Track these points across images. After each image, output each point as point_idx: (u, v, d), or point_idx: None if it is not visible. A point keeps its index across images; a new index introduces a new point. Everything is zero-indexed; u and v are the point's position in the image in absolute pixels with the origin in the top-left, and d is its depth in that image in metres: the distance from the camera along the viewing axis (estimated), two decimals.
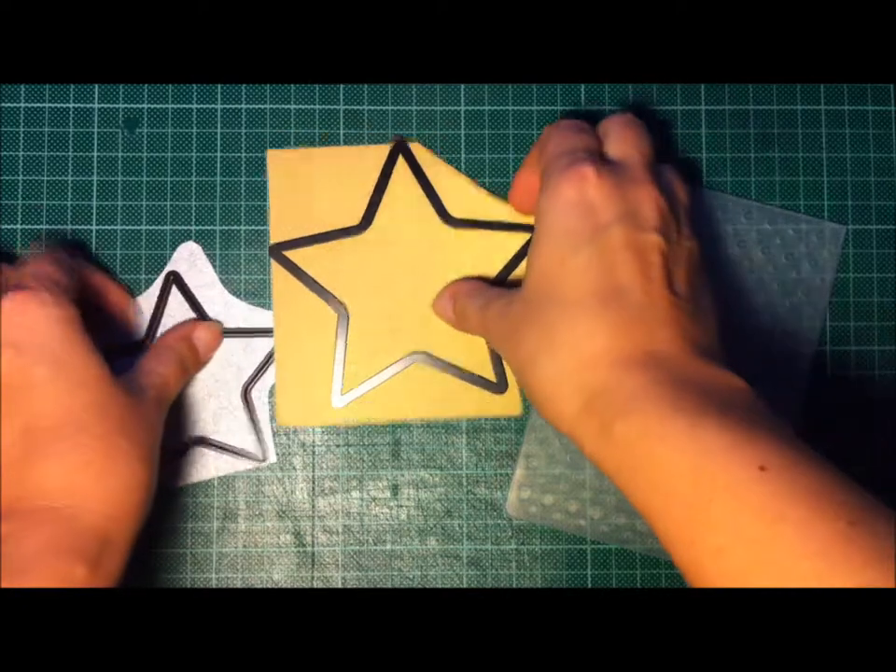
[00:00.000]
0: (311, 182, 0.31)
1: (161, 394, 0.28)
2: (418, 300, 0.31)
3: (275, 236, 0.31)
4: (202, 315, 0.30)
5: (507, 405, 0.30)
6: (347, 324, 0.31)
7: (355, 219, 0.31)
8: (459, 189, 0.31)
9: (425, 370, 0.30)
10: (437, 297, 0.30)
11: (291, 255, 0.30)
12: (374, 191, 0.31)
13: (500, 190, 0.31)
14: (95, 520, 0.23)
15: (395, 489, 0.30)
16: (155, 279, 0.30)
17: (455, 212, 0.31)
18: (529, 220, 0.29)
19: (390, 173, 0.31)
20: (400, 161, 0.31)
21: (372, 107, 0.31)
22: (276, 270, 0.31)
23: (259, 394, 0.31)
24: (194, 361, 0.30)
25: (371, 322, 0.31)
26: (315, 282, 0.30)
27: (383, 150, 0.31)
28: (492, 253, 0.31)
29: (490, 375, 0.31)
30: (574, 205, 0.24)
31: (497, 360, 0.31)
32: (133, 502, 0.24)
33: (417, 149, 0.31)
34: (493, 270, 0.31)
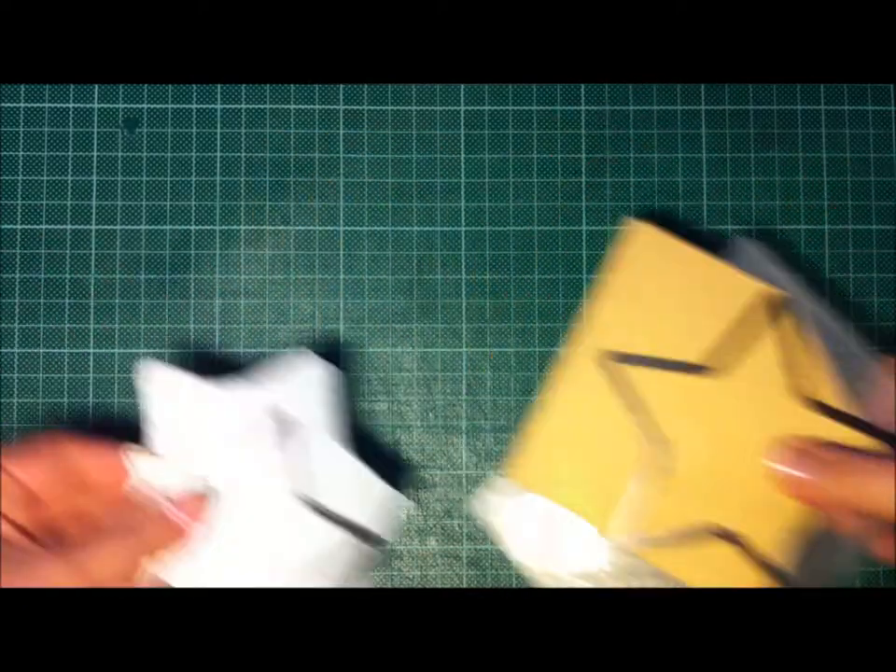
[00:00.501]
0: (669, 286, 0.26)
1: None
2: (741, 473, 0.25)
3: (603, 340, 0.26)
4: None
5: None
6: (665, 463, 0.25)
7: (696, 350, 0.26)
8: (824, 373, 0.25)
9: (720, 547, 0.25)
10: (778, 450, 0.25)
11: (625, 370, 0.26)
12: (742, 335, 0.26)
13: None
14: None
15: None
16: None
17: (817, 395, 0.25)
18: None
19: (771, 324, 0.26)
20: (787, 319, 0.26)
21: (372, 107, 0.31)
22: (595, 376, 0.26)
23: None
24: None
25: (688, 472, 0.25)
26: (645, 407, 0.26)
27: (763, 290, 0.26)
28: None
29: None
30: None
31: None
32: None
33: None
34: None
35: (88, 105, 0.31)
